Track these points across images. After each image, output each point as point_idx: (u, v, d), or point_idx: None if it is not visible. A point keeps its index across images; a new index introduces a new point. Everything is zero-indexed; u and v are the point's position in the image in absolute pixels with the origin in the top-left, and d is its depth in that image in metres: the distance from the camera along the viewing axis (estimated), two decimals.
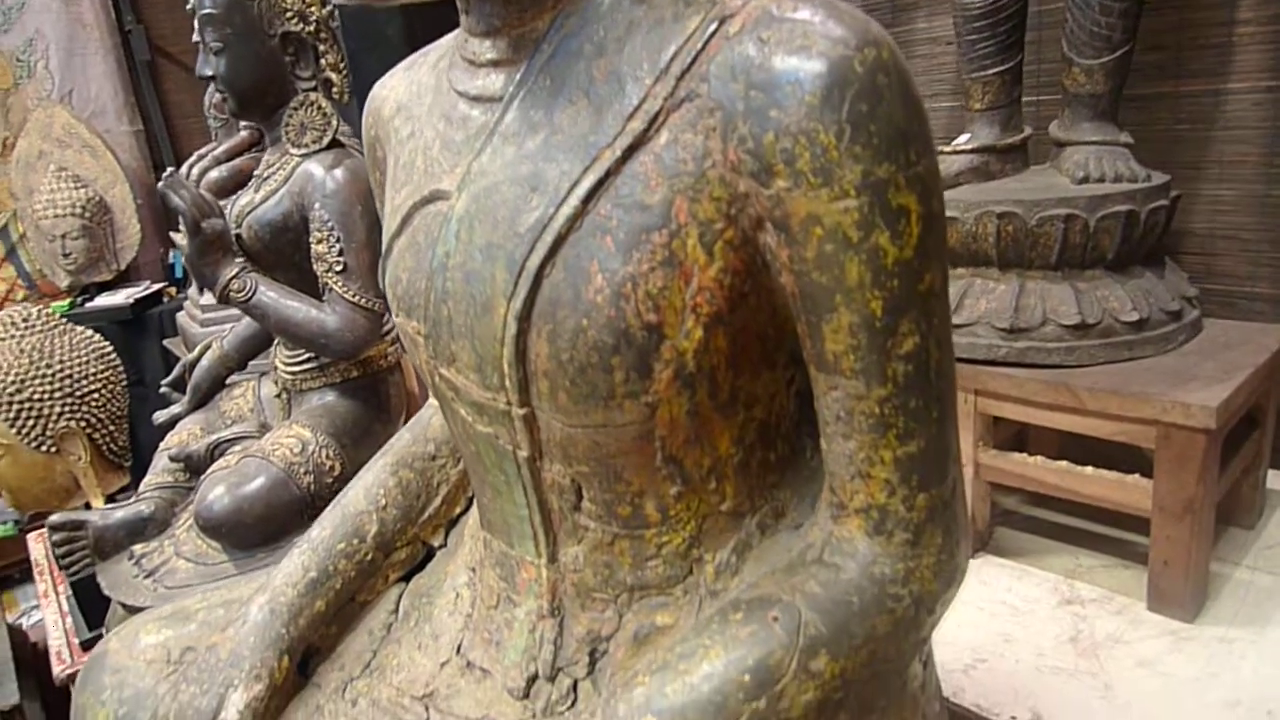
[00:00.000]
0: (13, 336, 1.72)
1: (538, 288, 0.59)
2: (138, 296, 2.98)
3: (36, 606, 2.23)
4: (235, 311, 1.87)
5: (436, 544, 0.91)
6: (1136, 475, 1.07)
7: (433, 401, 0.94)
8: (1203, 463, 0.99)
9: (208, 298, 2.20)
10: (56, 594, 1.87)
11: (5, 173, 3.17)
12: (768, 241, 0.57)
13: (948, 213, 1.18)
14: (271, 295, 1.31)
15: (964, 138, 1.29)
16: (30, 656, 2.09)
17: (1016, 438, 1.30)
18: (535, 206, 0.60)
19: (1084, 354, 1.11)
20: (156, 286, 3.15)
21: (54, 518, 1.41)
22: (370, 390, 1.47)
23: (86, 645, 1.54)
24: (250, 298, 1.30)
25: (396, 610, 0.87)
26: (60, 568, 1.43)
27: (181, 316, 2.41)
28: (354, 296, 1.31)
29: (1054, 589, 1.15)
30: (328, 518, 0.88)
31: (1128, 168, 1.15)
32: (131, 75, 3.36)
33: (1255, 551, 1.18)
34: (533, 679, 0.72)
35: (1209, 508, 1.03)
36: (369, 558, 0.85)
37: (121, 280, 3.20)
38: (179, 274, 3.29)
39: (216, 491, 1.27)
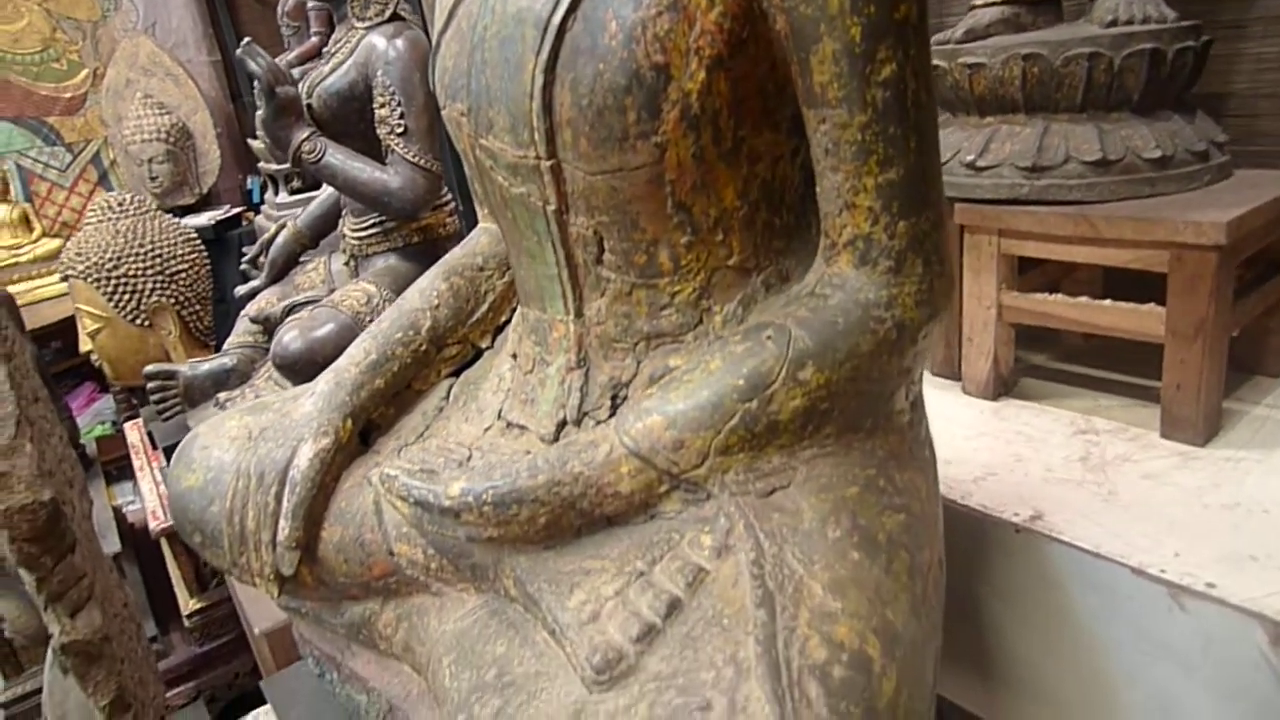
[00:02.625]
0: (108, 219, 1.87)
1: (561, 40, 0.67)
2: (219, 219, 3.15)
3: (132, 502, 2.43)
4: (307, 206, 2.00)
5: (484, 345, 1.01)
6: (1151, 304, 1.10)
7: (481, 225, 1.04)
8: (1214, 282, 1.02)
9: (283, 197, 2.34)
10: (151, 468, 2.05)
11: (96, 101, 3.37)
12: None
13: (975, 59, 1.22)
14: (339, 157, 1.41)
15: None
16: (130, 534, 2.29)
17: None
18: None
19: (1105, 189, 1.14)
20: (236, 210, 3.31)
21: (150, 368, 1.56)
22: (430, 255, 1.56)
23: None
24: (320, 159, 1.40)
25: (448, 396, 0.97)
26: (156, 413, 1.58)
27: (259, 219, 2.56)
28: (414, 157, 1.40)
29: (1070, 423, 1.20)
30: (387, 315, 0.99)
31: (1157, 10, 1.17)
32: (210, 7, 3.52)
33: (1277, 393, 1.20)
34: (561, 424, 0.81)
35: (1221, 330, 1.06)
36: (423, 348, 0.95)
37: (203, 204, 3.38)
38: (256, 199, 3.46)
39: (291, 334, 1.39)
